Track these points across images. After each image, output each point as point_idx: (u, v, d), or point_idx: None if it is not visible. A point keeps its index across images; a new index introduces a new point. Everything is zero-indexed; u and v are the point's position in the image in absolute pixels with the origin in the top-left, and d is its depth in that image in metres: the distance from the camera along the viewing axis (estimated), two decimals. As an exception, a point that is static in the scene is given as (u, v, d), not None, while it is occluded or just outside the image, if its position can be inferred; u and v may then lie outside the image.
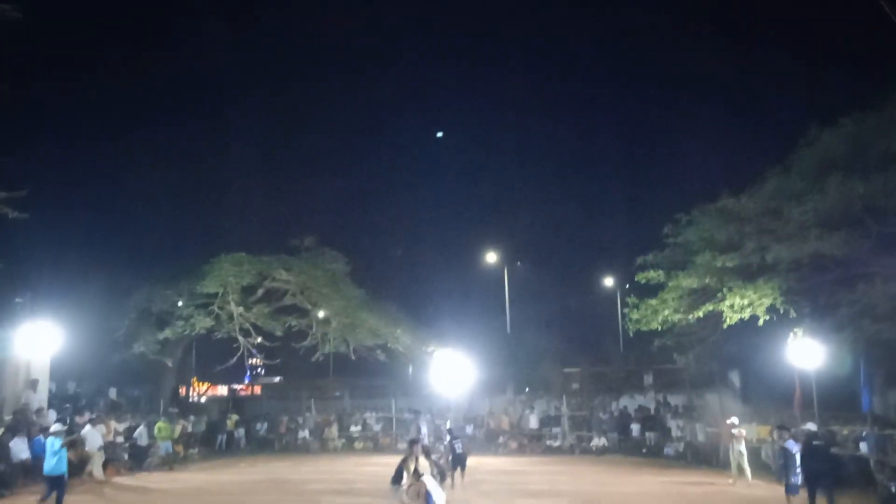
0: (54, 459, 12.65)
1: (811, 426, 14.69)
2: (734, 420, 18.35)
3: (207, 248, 25.89)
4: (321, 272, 26.94)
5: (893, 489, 12.68)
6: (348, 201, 57.07)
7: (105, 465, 18.44)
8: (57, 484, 12.69)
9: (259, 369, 41.15)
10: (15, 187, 17.82)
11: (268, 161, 45.09)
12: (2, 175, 18.42)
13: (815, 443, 12.75)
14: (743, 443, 17.75)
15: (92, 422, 18.74)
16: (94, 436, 18.26)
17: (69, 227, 24.75)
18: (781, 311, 17.87)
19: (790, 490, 11.83)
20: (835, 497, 11.89)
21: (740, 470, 17.22)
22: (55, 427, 13.70)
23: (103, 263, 24.60)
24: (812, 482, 11.59)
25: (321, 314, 27.39)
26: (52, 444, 12.78)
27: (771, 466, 18.61)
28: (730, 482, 16.97)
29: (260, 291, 26.54)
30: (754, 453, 19.02)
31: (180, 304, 25.30)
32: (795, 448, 11.96)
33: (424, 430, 20.20)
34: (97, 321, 23.27)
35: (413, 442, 12.32)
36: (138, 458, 20.78)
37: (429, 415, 28.31)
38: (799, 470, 11.59)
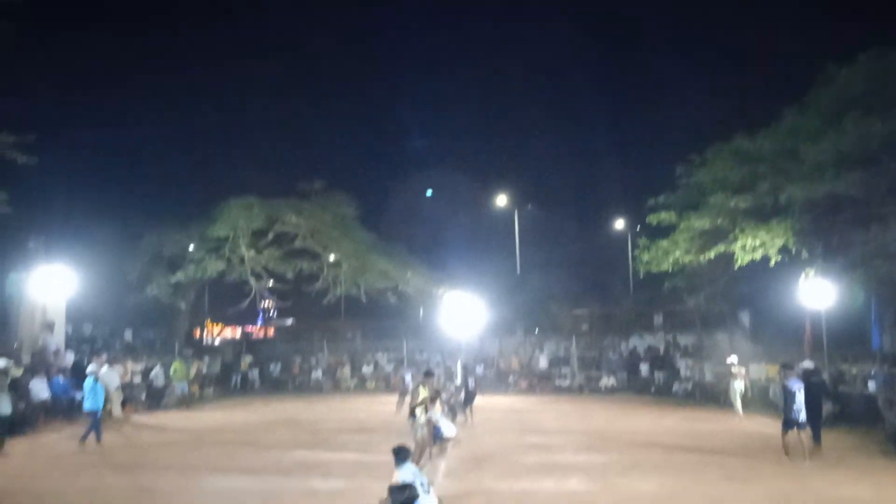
0: (92, 396, 13.73)
1: (808, 364, 14.96)
2: (733, 359, 19.17)
3: (217, 192, 25.91)
4: (331, 215, 26.93)
5: (901, 426, 12.76)
6: (357, 145, 56.68)
7: (123, 405, 18.83)
8: (92, 418, 13.73)
9: (271, 312, 41.60)
10: (23, 132, 17.78)
11: (277, 105, 44.50)
12: (10, 120, 18.37)
13: (812, 380, 12.97)
14: (739, 380, 18.65)
15: (109, 363, 19.04)
16: (111, 376, 18.58)
17: (79, 171, 24.78)
18: (793, 252, 17.78)
19: (787, 426, 12.00)
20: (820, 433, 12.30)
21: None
22: (91, 367, 14.71)
23: (114, 208, 24.70)
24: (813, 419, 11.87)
25: (332, 257, 27.52)
26: (88, 382, 13.87)
27: (778, 405, 18.79)
28: (736, 420, 17.15)
29: (270, 235, 26.64)
30: (763, 392, 19.21)
31: (192, 247, 25.47)
32: (796, 386, 12.07)
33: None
34: (110, 264, 23.49)
35: (428, 374, 12.44)
36: (155, 398, 21.20)
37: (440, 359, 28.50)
38: (797, 407, 11.76)
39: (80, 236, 21.80)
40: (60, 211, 22.25)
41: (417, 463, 10.05)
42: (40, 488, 10.05)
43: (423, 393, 11.11)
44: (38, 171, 20.01)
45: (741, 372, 19.04)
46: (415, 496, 5.73)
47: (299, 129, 43.43)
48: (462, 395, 17.48)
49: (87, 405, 13.92)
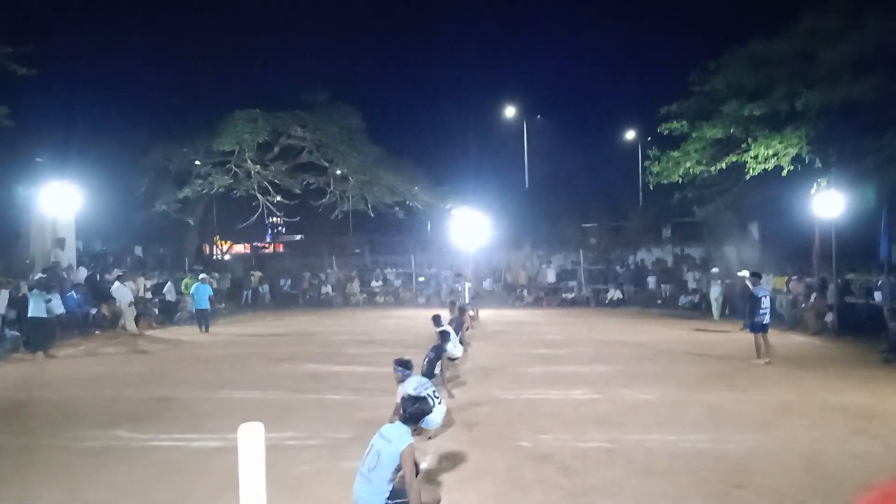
0: (201, 298, 19.18)
1: (745, 272, 16.57)
2: (714, 269, 21.80)
3: (221, 105, 25.43)
4: (337, 128, 26.56)
5: (904, 335, 12.87)
6: (363, 56, 55.14)
7: (137, 320, 19.19)
8: (201, 315, 19.29)
9: (280, 227, 41.77)
10: (22, 42, 17.42)
11: (280, 14, 43.21)
12: (8, 30, 17.95)
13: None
14: (717, 288, 21.16)
15: (120, 278, 19.29)
16: (123, 291, 18.86)
17: (82, 86, 24.18)
18: (807, 161, 17.48)
19: (755, 328, 13.17)
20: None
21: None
22: (203, 276, 20.31)
23: (119, 123, 24.33)
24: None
25: (338, 171, 27.32)
26: (198, 287, 19.32)
27: (784, 315, 18.99)
28: (739, 329, 17.30)
29: (276, 149, 26.40)
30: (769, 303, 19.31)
31: (198, 162, 25.30)
32: (762, 293, 13.38)
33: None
34: (117, 180, 23.44)
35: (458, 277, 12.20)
36: (168, 313, 21.58)
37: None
38: (763, 311, 13.06)
39: (87, 152, 21.62)
40: (65, 126, 21.98)
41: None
42: (62, 397, 10.38)
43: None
44: (41, 86, 19.71)
45: (718, 281, 21.19)
46: (429, 409, 5.83)
47: (303, 39, 42.36)
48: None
49: (196, 303, 19.51)
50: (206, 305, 19.39)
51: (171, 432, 8.24)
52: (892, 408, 9.21)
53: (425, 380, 8.20)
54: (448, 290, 18.91)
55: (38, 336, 14.46)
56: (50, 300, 14.68)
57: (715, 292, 21.01)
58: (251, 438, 3.18)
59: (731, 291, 21.81)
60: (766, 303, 13.17)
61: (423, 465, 6.31)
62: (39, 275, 14.72)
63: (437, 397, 7.77)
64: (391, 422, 5.62)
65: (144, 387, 11.19)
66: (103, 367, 13.40)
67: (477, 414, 9.09)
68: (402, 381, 7.96)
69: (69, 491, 6.23)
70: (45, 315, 14.50)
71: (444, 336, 10.85)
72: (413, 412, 5.44)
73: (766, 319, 13.14)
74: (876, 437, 7.77)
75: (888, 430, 8.11)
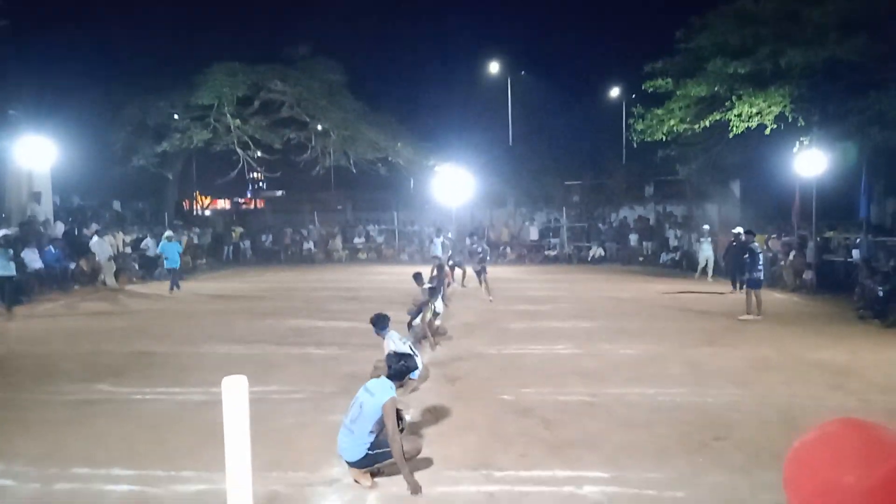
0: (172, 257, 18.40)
1: (739, 229, 16.89)
2: (705, 228, 21.50)
3: (199, 58, 24.79)
4: (318, 83, 26.10)
5: (881, 292, 13.07)
6: (344, 8, 53.91)
7: (117, 275, 19.01)
8: (172, 273, 18.25)
9: (260, 183, 41.35)
10: None
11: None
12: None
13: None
14: (707, 247, 20.77)
15: (98, 233, 19.05)
16: (102, 246, 18.65)
17: (55, 35, 23.44)
18: (790, 120, 17.48)
19: (755, 284, 13.26)
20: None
21: (704, 270, 20.66)
22: (168, 233, 19.32)
23: (94, 74, 23.68)
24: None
25: (320, 127, 26.95)
26: (166, 246, 18.47)
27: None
28: (731, 291, 17.44)
29: (256, 103, 25.92)
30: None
31: (176, 116, 24.83)
32: (759, 249, 13.65)
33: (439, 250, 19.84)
34: (94, 134, 22.97)
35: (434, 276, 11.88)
36: (149, 269, 21.38)
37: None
38: (760, 267, 13.25)
39: (62, 106, 21.08)
40: (39, 78, 21.40)
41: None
42: (42, 352, 10.31)
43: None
44: (14, 37, 19.10)
45: (709, 239, 20.90)
46: (414, 365, 5.89)
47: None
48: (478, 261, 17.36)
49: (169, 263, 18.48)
50: (177, 264, 18.73)
51: (154, 386, 8.23)
52: (867, 363, 9.41)
53: (402, 336, 8.34)
54: (468, 252, 18.45)
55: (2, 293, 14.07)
56: (12, 257, 14.26)
57: (706, 251, 20.67)
58: (235, 391, 3.16)
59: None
60: (761, 258, 13.47)
61: (408, 418, 6.35)
62: (5, 231, 14.37)
63: (416, 352, 7.95)
64: (373, 376, 5.68)
65: (126, 341, 11.13)
66: (83, 322, 13.32)
67: (460, 368, 9.17)
68: (383, 337, 8.04)
69: (52, 444, 6.21)
70: (9, 273, 14.08)
71: (432, 293, 10.88)
72: (398, 369, 5.50)
73: (762, 276, 13.43)
74: (851, 393, 7.93)
75: (863, 385, 8.28)
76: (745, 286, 13.86)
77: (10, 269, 14.05)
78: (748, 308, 13.24)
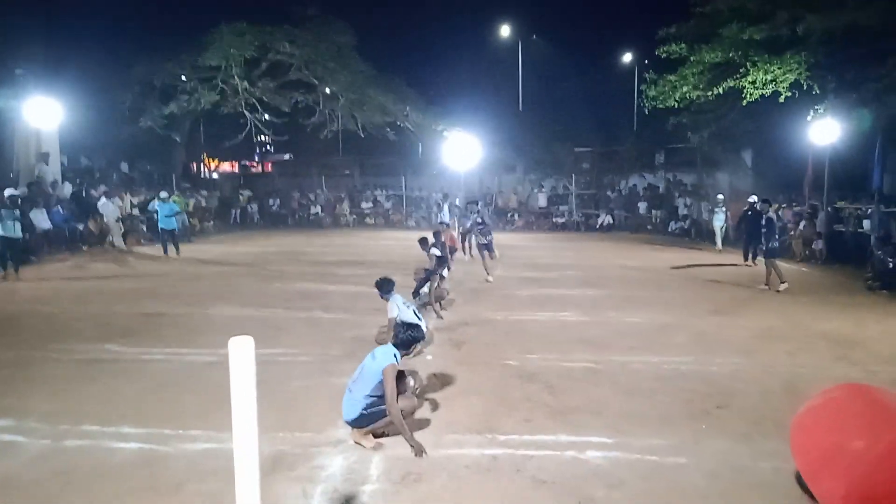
0: (165, 217, 17.42)
1: (754, 197, 16.71)
2: (719, 197, 21.12)
3: (207, 17, 24.54)
4: (326, 45, 25.83)
5: (891, 264, 12.98)
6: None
7: (125, 237, 19.08)
8: (166, 236, 17.50)
9: (268, 146, 41.16)
10: None
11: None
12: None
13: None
14: (721, 216, 20.46)
15: (106, 194, 19.08)
16: (110, 208, 18.70)
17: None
18: (805, 87, 17.22)
19: (773, 253, 12.99)
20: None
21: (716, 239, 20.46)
22: (163, 194, 18.21)
23: (101, 34, 23.46)
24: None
25: (328, 90, 26.74)
26: (160, 206, 17.57)
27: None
28: (726, 255, 17.43)
29: (264, 65, 25.71)
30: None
31: (183, 77, 24.67)
32: (776, 218, 13.65)
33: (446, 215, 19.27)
34: (101, 95, 22.84)
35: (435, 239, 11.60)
36: (156, 231, 21.40)
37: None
38: (778, 236, 13.28)
39: (69, 66, 20.94)
40: (45, 38, 21.23)
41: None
42: (52, 311, 10.40)
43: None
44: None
45: (724, 208, 20.58)
46: (421, 336, 5.92)
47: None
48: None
49: (164, 224, 17.51)
50: (173, 226, 17.66)
51: (163, 346, 8.30)
52: (873, 335, 9.39)
53: (407, 301, 8.37)
54: (470, 224, 17.40)
55: (6, 255, 13.83)
56: (18, 218, 13.96)
57: (719, 220, 20.35)
58: (241, 351, 3.17)
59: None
60: (779, 227, 13.69)
61: (419, 382, 6.39)
62: (11, 191, 14.31)
63: (420, 316, 8.09)
64: (377, 341, 5.72)
65: (135, 302, 11.22)
66: (92, 283, 13.41)
67: (466, 333, 9.21)
68: (387, 300, 8.08)
69: (62, 401, 6.29)
70: (16, 235, 13.84)
71: (440, 261, 10.84)
72: (404, 339, 5.53)
73: (779, 244, 13.55)
74: (856, 363, 7.93)
75: (868, 356, 8.28)
76: (764, 256, 13.55)
77: (17, 231, 14.01)
78: (773, 278, 12.92)
